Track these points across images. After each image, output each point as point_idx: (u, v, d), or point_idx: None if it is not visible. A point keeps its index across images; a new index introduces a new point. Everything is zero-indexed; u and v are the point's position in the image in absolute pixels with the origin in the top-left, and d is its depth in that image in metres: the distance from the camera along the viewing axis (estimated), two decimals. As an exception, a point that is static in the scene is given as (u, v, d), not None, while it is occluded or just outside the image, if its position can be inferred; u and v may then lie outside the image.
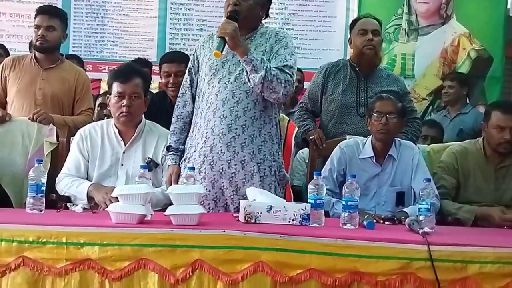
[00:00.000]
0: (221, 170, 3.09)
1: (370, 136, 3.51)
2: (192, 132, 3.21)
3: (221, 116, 3.07)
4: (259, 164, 3.10)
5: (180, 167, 3.18)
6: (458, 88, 5.61)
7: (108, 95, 3.42)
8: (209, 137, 3.10)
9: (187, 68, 3.31)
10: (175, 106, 3.31)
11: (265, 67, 2.98)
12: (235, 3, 3.09)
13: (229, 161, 3.07)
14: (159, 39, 6.36)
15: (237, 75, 3.09)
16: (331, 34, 6.37)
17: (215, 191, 3.11)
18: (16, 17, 6.17)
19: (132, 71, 3.37)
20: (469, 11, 6.30)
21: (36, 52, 4.06)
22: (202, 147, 3.11)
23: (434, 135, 4.87)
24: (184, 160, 3.19)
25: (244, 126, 3.07)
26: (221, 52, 2.93)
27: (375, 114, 3.44)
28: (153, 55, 6.29)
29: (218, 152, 3.08)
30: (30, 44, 4.12)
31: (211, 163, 3.09)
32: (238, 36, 2.97)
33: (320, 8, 6.40)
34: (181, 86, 3.32)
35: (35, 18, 4.05)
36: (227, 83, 3.09)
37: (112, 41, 6.35)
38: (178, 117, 3.27)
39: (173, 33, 6.37)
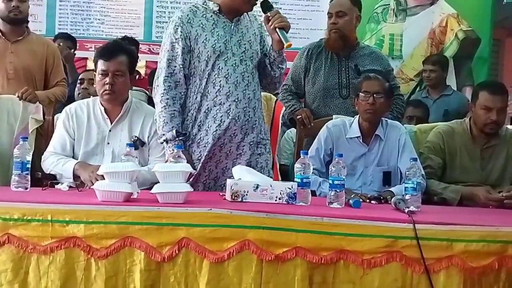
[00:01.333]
0: (228, 152, 3.14)
1: (357, 116, 3.51)
2: (196, 115, 3.13)
3: (236, 100, 3.10)
4: (264, 145, 3.21)
5: (188, 152, 3.11)
6: (440, 71, 5.64)
7: (94, 73, 3.39)
8: (224, 121, 3.11)
9: (180, 48, 3.10)
10: (165, 87, 3.09)
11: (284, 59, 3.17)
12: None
13: (239, 143, 3.14)
14: (146, 17, 6.31)
15: (242, 57, 3.14)
16: (319, 14, 6.32)
17: (217, 171, 3.15)
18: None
19: (117, 49, 3.33)
20: (457, -9, 6.30)
21: (1, 25, 3.98)
22: (216, 130, 3.11)
23: (420, 115, 4.91)
24: (193, 143, 3.14)
25: (255, 108, 3.16)
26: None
27: (362, 94, 3.44)
28: (140, 33, 6.26)
29: (231, 135, 3.12)
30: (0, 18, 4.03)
31: (221, 145, 3.12)
32: None
33: (308, -13, 6.38)
34: (166, 66, 3.12)
35: None
36: (234, 65, 3.11)
37: (99, 19, 6.29)
38: (174, 98, 3.10)
39: (160, 11, 6.32)
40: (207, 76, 3.12)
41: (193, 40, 3.13)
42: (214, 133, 3.11)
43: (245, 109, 3.12)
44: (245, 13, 3.21)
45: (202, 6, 3.18)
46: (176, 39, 3.13)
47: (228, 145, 3.12)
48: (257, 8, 3.14)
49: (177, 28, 3.13)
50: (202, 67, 3.12)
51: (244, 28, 3.18)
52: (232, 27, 3.15)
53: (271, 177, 3.10)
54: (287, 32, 3.00)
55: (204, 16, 3.16)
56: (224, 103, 3.10)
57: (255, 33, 3.20)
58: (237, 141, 3.13)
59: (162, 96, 3.12)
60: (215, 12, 3.15)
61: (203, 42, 3.11)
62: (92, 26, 6.29)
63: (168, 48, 3.14)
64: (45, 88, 4.00)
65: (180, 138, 3.10)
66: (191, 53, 3.13)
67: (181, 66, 3.12)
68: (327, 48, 4.06)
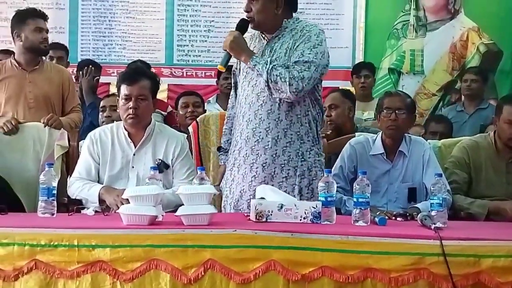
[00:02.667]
0: (243, 174, 3.11)
1: (380, 133, 3.50)
2: (233, 134, 3.24)
3: (248, 120, 3.10)
4: (282, 166, 3.08)
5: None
6: (481, 82, 5.53)
7: (117, 98, 3.42)
8: (238, 141, 3.14)
9: (232, 70, 3.33)
10: (227, 107, 3.40)
11: (266, 69, 2.98)
12: (247, 10, 3.11)
13: (252, 165, 3.09)
14: (167, 41, 6.37)
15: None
16: (339, 32, 6.36)
17: (236, 194, 3.13)
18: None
19: (139, 73, 3.37)
20: (477, 5, 6.28)
21: (17, 56, 4.05)
22: (233, 150, 3.16)
23: (443, 130, 4.78)
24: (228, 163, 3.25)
25: (267, 129, 3.07)
26: (224, 66, 3.11)
27: (385, 111, 3.44)
28: (162, 57, 6.32)
29: (243, 156, 3.11)
30: (23, 48, 4.09)
31: (238, 166, 3.13)
32: (238, 45, 3.05)
33: (327, 6, 6.40)
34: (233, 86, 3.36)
35: (27, 19, 4.01)
36: (254, 86, 3.11)
37: (120, 44, 6.36)
38: (228, 118, 3.34)
39: (180, 35, 6.37)
40: (238, 97, 3.20)
41: (241, 64, 3.21)
42: (233, 153, 3.16)
43: (254, 129, 3.08)
44: (295, 25, 3.14)
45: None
46: (235, 63, 3.30)
47: (243, 166, 3.11)
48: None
49: None
50: (239, 89, 3.22)
51: (278, 44, 3.11)
52: (265, 45, 3.14)
53: None
54: (229, 55, 3.08)
55: (259, 39, 3.20)
56: (241, 123, 3.13)
57: (288, 47, 3.09)
58: (249, 162, 3.09)
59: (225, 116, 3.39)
60: (259, 33, 3.20)
61: (242, 64, 3.19)
62: (114, 52, 6.36)
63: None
64: (62, 114, 4.06)
65: (221, 152, 3.32)
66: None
67: (234, 88, 3.32)
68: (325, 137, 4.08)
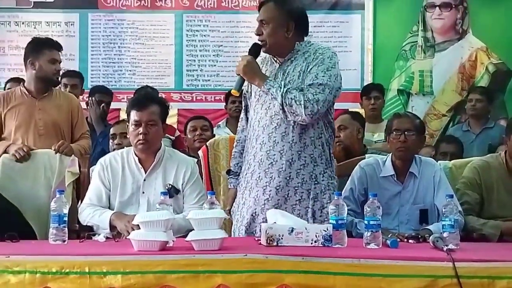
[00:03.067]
0: (255, 197, 3.10)
1: (390, 154, 3.49)
2: (245, 157, 3.24)
3: (261, 143, 3.10)
4: (295, 188, 3.07)
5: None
6: (486, 102, 5.52)
7: (127, 124, 3.44)
8: (251, 164, 3.13)
9: (242, 93, 3.31)
10: (237, 130, 3.39)
11: (281, 93, 2.99)
12: (258, 34, 3.13)
13: (265, 187, 3.08)
14: (176, 66, 6.41)
15: None
16: (347, 54, 6.37)
17: (248, 218, 3.12)
18: (21, 50, 6.21)
19: (149, 99, 3.40)
20: (485, 25, 6.27)
21: (27, 84, 4.08)
22: (246, 173, 3.16)
23: (454, 151, 4.74)
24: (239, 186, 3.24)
25: (281, 151, 3.07)
26: (238, 90, 3.12)
27: (394, 132, 3.44)
28: (171, 82, 6.36)
29: (256, 179, 3.10)
30: (11, 80, 4.14)
31: (250, 189, 3.12)
32: (252, 69, 3.06)
33: (335, 28, 6.42)
34: (243, 109, 3.36)
35: (43, 50, 4.04)
36: (267, 109, 3.11)
37: (130, 70, 6.41)
38: (237, 141, 3.34)
39: (189, 60, 6.42)
40: (250, 120, 3.20)
41: (252, 87, 3.22)
42: (245, 176, 3.15)
43: (268, 152, 3.07)
44: (308, 48, 3.16)
45: None
46: (246, 86, 3.28)
47: (255, 189, 3.10)
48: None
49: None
50: (250, 112, 3.22)
51: (291, 67, 3.12)
52: (277, 68, 3.15)
53: None
54: (243, 80, 3.10)
55: (271, 63, 3.21)
56: (254, 146, 3.13)
57: (301, 70, 3.09)
58: (262, 185, 3.08)
59: (235, 139, 3.40)
60: (271, 57, 3.21)
61: (253, 87, 3.19)
62: (124, 78, 6.40)
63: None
64: (71, 141, 4.08)
65: (231, 176, 3.30)
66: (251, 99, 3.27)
67: (244, 111, 3.32)
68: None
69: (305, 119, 3.00)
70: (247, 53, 3.15)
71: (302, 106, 2.97)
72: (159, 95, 5.40)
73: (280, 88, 3.01)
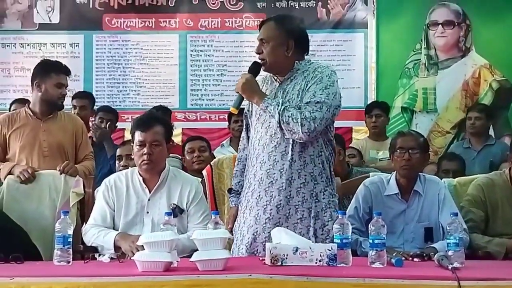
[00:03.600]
0: (256, 216, 3.09)
1: (394, 173, 3.49)
2: (246, 176, 3.24)
3: (261, 162, 3.10)
4: (296, 207, 3.06)
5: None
6: (485, 120, 5.53)
7: (131, 144, 3.45)
8: (251, 183, 3.13)
9: (244, 112, 3.33)
10: (238, 149, 3.39)
11: (278, 111, 2.99)
12: (258, 52, 3.14)
13: (265, 207, 3.07)
14: (181, 86, 6.45)
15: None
16: (351, 72, 6.41)
17: (248, 237, 3.10)
18: (26, 71, 6.25)
19: (153, 119, 3.40)
20: (488, 42, 6.29)
21: (32, 106, 4.10)
22: (246, 192, 3.15)
23: (456, 168, 4.72)
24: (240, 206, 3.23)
25: (281, 170, 3.06)
26: (237, 108, 3.13)
27: (398, 151, 3.44)
28: (176, 102, 6.39)
29: (256, 198, 3.09)
30: (16, 101, 4.16)
31: (250, 208, 3.11)
32: (251, 87, 3.08)
33: (338, 47, 6.46)
34: (244, 128, 3.37)
35: (51, 73, 4.05)
36: (267, 127, 3.11)
37: (134, 90, 6.46)
38: (239, 160, 3.33)
39: (194, 79, 6.46)
40: (251, 139, 3.21)
41: (253, 106, 3.23)
42: (246, 195, 3.14)
43: (268, 171, 3.07)
44: (307, 67, 3.16)
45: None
46: (248, 105, 3.30)
47: (255, 208, 3.09)
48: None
49: None
50: (251, 130, 3.23)
51: (291, 86, 3.12)
52: (277, 87, 3.16)
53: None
54: (242, 98, 3.11)
55: (271, 82, 3.23)
56: (254, 165, 3.13)
57: (300, 88, 3.09)
58: (262, 204, 3.07)
59: (236, 157, 3.40)
60: (271, 76, 3.22)
61: (254, 106, 3.20)
62: (129, 98, 6.45)
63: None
64: (75, 162, 4.09)
65: (232, 194, 3.30)
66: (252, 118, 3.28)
67: (245, 130, 3.33)
68: None
69: (302, 137, 3.00)
70: (246, 72, 3.17)
71: (299, 124, 2.97)
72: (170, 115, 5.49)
73: (278, 105, 3.01)
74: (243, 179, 3.26)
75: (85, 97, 5.45)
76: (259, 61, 3.16)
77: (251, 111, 3.26)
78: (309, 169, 3.09)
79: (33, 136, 4.01)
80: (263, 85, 3.22)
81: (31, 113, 4.07)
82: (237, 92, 3.12)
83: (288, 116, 2.99)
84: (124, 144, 4.71)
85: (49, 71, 4.07)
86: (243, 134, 3.36)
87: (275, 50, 3.13)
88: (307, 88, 3.08)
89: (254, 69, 3.16)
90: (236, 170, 3.34)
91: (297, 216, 3.06)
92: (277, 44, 3.12)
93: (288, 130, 3.00)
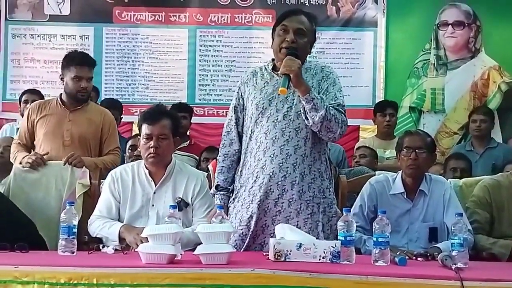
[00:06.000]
0: (266, 208, 3.08)
1: (400, 172, 3.49)
2: (241, 171, 3.19)
3: (272, 155, 3.07)
4: (307, 202, 3.07)
5: (228, 207, 3.20)
6: (489, 122, 5.53)
7: (138, 137, 3.46)
8: (259, 176, 3.09)
9: (232, 106, 3.27)
10: (221, 145, 3.28)
11: (325, 107, 2.97)
12: (293, 41, 3.08)
13: (276, 200, 3.07)
14: (189, 81, 6.46)
15: (285, 113, 3.08)
16: (359, 71, 6.40)
17: (256, 229, 3.10)
18: (50, 63, 6.35)
19: (160, 113, 3.41)
20: (498, 44, 6.28)
21: (63, 96, 4.14)
22: (252, 186, 3.12)
23: (464, 167, 4.74)
24: (234, 199, 3.20)
25: (295, 164, 3.06)
26: (287, 89, 2.94)
27: (405, 150, 3.43)
28: (184, 97, 6.39)
29: (266, 191, 3.07)
30: (65, 92, 4.18)
31: (259, 202, 3.08)
32: (300, 73, 2.98)
33: (347, 45, 6.45)
34: (226, 124, 3.28)
35: (71, 66, 4.08)
36: (275, 121, 3.09)
37: (143, 84, 6.47)
38: (225, 156, 3.25)
39: (202, 75, 6.47)
40: (250, 133, 3.16)
41: (246, 99, 3.21)
42: (250, 189, 3.11)
43: (281, 165, 3.05)
44: (309, 65, 3.18)
45: (265, 66, 3.26)
46: (235, 99, 3.27)
47: (265, 201, 3.07)
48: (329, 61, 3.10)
49: (237, 88, 3.29)
50: (248, 124, 3.18)
51: None
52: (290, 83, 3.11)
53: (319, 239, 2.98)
54: (291, 80, 2.94)
55: (262, 75, 3.21)
56: (261, 159, 3.10)
57: (312, 86, 3.06)
58: (274, 197, 3.06)
59: (219, 153, 3.28)
60: (270, 71, 3.19)
61: (251, 100, 3.17)
62: (137, 91, 6.46)
63: (230, 108, 3.30)
64: (99, 155, 4.11)
65: (220, 192, 3.21)
66: (244, 112, 3.23)
67: (234, 124, 3.24)
68: None
69: (336, 137, 3.06)
70: (290, 56, 3.00)
71: (339, 125, 3.01)
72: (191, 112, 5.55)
73: (323, 101, 2.99)
74: (230, 175, 3.23)
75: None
76: (294, 51, 3.05)
77: (242, 105, 3.23)
78: (317, 165, 3.11)
79: (58, 125, 4.05)
80: (253, 79, 3.21)
81: (60, 103, 4.11)
82: (285, 74, 2.96)
83: (332, 114, 2.99)
84: (136, 136, 4.74)
85: (69, 63, 4.12)
86: (229, 129, 3.26)
87: (307, 45, 3.15)
88: (324, 88, 3.10)
89: (295, 55, 3.03)
90: (223, 166, 3.24)
91: (308, 212, 3.07)
92: (309, 40, 3.15)
93: (328, 128, 3.00)
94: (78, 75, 4.07)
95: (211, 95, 6.47)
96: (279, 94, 3.03)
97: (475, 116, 5.61)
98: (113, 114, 5.01)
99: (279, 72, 3.07)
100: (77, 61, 4.13)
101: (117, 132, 4.36)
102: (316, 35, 3.22)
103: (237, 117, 3.25)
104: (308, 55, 3.22)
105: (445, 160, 5.01)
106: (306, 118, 3.01)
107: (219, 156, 3.29)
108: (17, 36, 6.46)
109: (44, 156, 3.87)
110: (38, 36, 6.44)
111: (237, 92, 3.28)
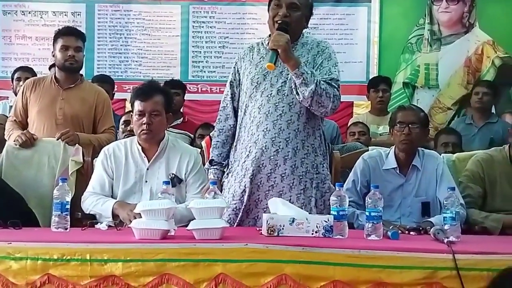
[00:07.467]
0: (259, 183, 3.09)
1: (393, 147, 3.49)
2: (235, 146, 3.21)
3: (265, 130, 3.07)
4: (300, 177, 3.08)
5: (222, 182, 3.21)
6: (492, 96, 5.48)
7: (131, 113, 3.45)
8: (252, 151, 3.10)
9: (229, 81, 3.28)
10: (217, 120, 3.30)
11: (315, 81, 2.95)
12: (285, 15, 3.06)
13: (269, 174, 3.07)
14: (182, 58, 6.42)
15: (279, 88, 3.08)
16: (353, 47, 6.37)
17: (250, 204, 3.11)
18: (41, 40, 6.29)
19: (153, 89, 3.39)
20: (492, 18, 6.25)
21: (56, 73, 4.12)
22: (245, 160, 3.12)
23: (455, 141, 4.73)
24: (227, 174, 3.21)
25: (287, 139, 3.06)
26: (275, 64, 2.92)
27: (398, 125, 3.43)
28: (177, 73, 6.36)
29: (259, 166, 3.07)
30: (52, 65, 4.17)
31: (251, 176, 3.09)
32: (290, 48, 2.95)
33: (341, 21, 6.41)
34: (222, 99, 3.30)
35: (58, 38, 4.07)
36: (269, 96, 3.08)
37: (136, 61, 6.43)
38: (220, 130, 3.26)
39: (195, 51, 6.43)
40: (245, 108, 3.17)
41: (242, 74, 3.21)
42: (243, 163, 3.12)
43: (273, 139, 3.05)
44: (306, 40, 3.17)
45: (262, 42, 3.25)
46: (231, 74, 3.27)
47: (258, 176, 3.08)
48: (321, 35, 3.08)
49: (234, 64, 3.29)
50: (243, 99, 3.19)
51: None
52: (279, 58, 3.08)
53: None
54: (279, 55, 2.91)
55: (258, 50, 3.21)
56: (254, 133, 3.10)
57: (307, 61, 3.08)
58: (266, 172, 3.07)
59: (215, 128, 3.31)
60: (266, 46, 3.15)
61: (247, 75, 3.17)
62: (130, 68, 6.42)
63: (227, 83, 3.30)
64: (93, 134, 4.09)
65: (214, 166, 3.23)
66: (240, 87, 3.23)
67: (230, 99, 3.26)
68: None
69: (328, 112, 3.05)
70: (279, 31, 2.98)
71: (330, 100, 2.99)
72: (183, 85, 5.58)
73: (314, 75, 2.97)
74: (224, 150, 3.25)
75: (105, 80, 5.42)
76: (284, 25, 3.02)
77: (238, 80, 3.23)
78: (311, 141, 3.11)
79: (51, 103, 4.02)
80: (250, 54, 3.21)
81: (55, 81, 4.08)
82: (273, 49, 2.94)
83: (323, 89, 2.97)
84: (129, 112, 4.71)
85: (56, 37, 4.11)
86: (225, 104, 3.28)
87: (301, 19, 3.13)
88: (319, 63, 3.09)
89: (285, 30, 3.01)
90: (217, 141, 3.27)
91: (301, 187, 3.08)
92: (303, 14, 3.13)
93: (319, 102, 2.99)
94: (65, 44, 4.04)
95: (205, 71, 6.43)
96: (266, 69, 3.02)
97: (478, 89, 5.55)
98: (104, 89, 4.99)
99: (267, 47, 3.06)
100: (63, 31, 4.13)
101: (112, 110, 4.34)
102: (312, 5, 3.20)
103: (233, 92, 3.26)
104: (305, 29, 3.20)
105: (436, 135, 5.01)
106: (297, 93, 3.00)
107: (214, 131, 3.30)
108: (8, 13, 6.39)
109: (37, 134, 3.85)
110: (29, 12, 6.37)
111: (234, 67, 3.28)
